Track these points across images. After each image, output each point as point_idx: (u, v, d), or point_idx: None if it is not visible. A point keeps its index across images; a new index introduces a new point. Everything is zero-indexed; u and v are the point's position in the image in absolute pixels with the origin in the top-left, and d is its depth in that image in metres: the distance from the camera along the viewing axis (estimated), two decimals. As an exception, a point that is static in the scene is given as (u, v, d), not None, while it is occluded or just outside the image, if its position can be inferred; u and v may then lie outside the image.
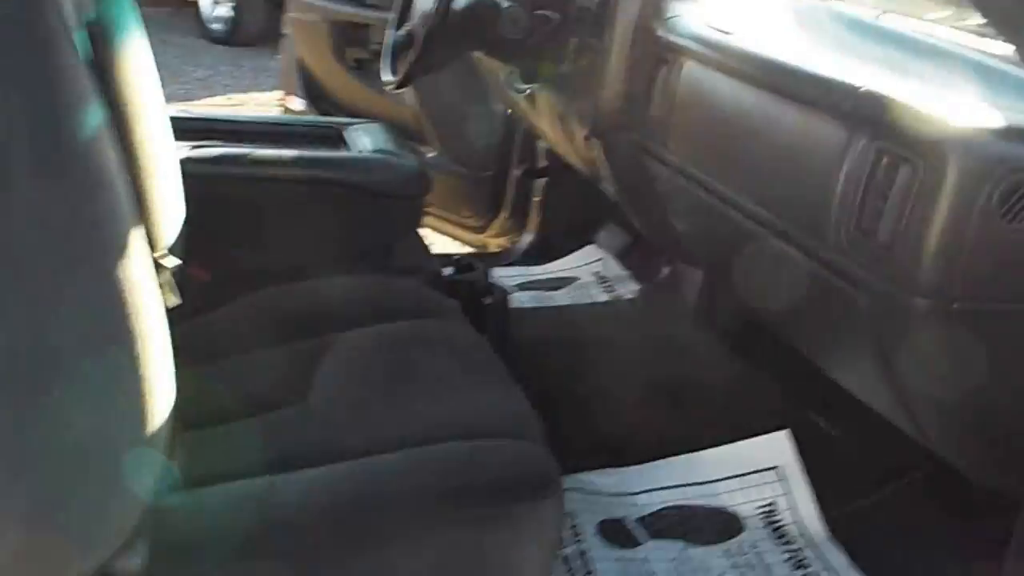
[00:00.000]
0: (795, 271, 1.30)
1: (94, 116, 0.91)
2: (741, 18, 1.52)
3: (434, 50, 1.87)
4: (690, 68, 1.51)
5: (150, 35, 1.33)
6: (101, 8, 1.13)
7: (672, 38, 1.55)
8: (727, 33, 1.45)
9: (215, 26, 7.18)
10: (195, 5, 7.41)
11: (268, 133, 1.97)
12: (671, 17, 1.59)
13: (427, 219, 2.71)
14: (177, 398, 1.04)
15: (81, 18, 1.05)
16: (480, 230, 2.86)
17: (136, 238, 0.95)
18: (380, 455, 1.15)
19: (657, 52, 1.59)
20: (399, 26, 2.03)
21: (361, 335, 1.44)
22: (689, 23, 1.55)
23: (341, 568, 1.06)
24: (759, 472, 1.75)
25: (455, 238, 2.98)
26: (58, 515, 0.95)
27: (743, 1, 1.66)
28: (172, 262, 1.23)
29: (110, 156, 0.94)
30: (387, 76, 1.98)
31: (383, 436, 1.19)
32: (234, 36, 7.05)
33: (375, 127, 2.04)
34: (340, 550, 1.06)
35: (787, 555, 1.63)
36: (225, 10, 7.09)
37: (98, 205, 0.91)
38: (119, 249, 0.91)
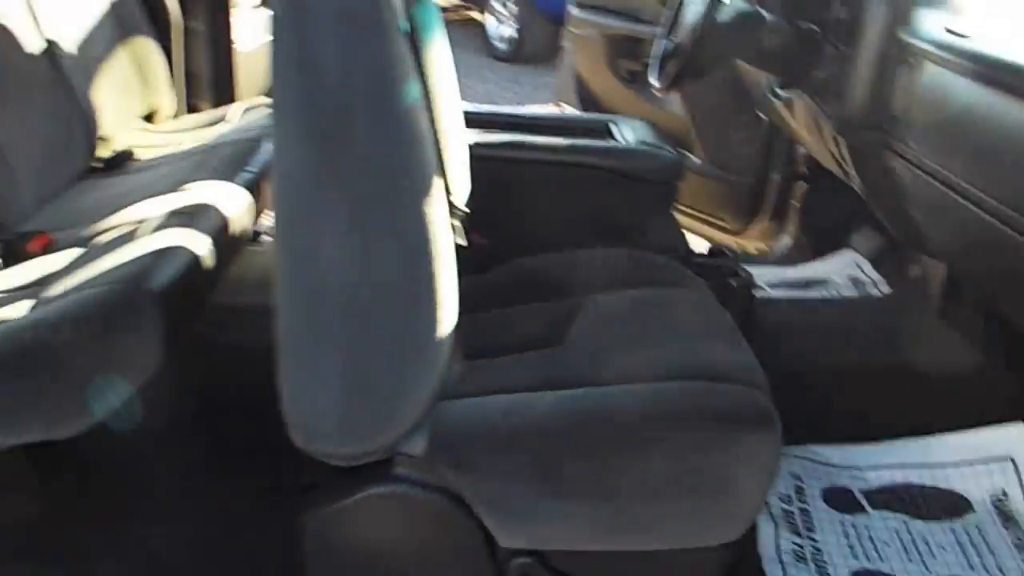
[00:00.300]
0: None
1: (414, 88, 1.24)
2: (980, 22, 1.65)
3: (698, 58, 2.11)
4: (929, 70, 1.65)
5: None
6: (414, 12, 1.47)
7: (914, 42, 1.70)
8: (964, 37, 1.59)
9: (499, 45, 7.76)
10: (481, 25, 8.06)
11: (543, 126, 2.30)
12: (914, 24, 1.74)
13: (686, 220, 2.94)
14: (456, 331, 1.35)
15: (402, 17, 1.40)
16: (738, 233, 3.04)
17: (439, 185, 1.27)
18: (625, 385, 1.40)
19: (900, 55, 1.74)
20: (668, 36, 2.29)
21: (613, 297, 1.71)
22: (930, 28, 1.69)
23: (579, 466, 1.32)
24: (993, 461, 1.82)
25: (712, 240, 3.18)
26: (370, 398, 1.28)
27: (985, 6, 1.77)
28: (462, 208, 1.56)
29: (423, 121, 1.27)
30: (654, 81, 2.25)
31: (629, 373, 1.44)
32: (516, 55, 7.60)
33: (638, 123, 2.32)
34: (580, 452, 1.33)
35: (1014, 540, 1.70)
36: (510, 30, 7.65)
37: (414, 155, 1.23)
38: (427, 189, 1.24)
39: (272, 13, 1.20)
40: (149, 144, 2.69)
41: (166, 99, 2.94)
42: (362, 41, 1.18)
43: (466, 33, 8.40)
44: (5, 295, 1.73)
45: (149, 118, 2.91)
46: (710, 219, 3.05)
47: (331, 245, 1.22)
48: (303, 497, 1.42)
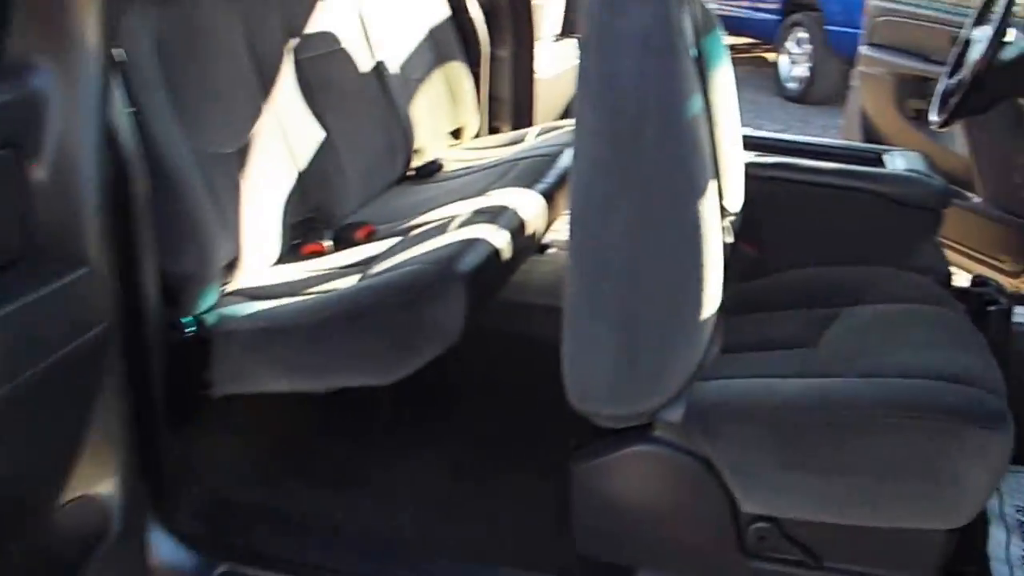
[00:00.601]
0: None
1: (697, 103, 1.47)
2: None
3: (979, 95, 2.19)
4: None
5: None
6: (703, 41, 1.70)
7: None
8: None
9: (790, 85, 7.81)
10: (774, 65, 8.15)
11: (817, 152, 2.45)
12: None
13: (960, 258, 2.95)
14: (717, 319, 1.56)
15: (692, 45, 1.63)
16: (1016, 275, 3.00)
17: (713, 188, 1.49)
18: (868, 378, 1.55)
19: None
20: (951, 75, 2.38)
21: (870, 308, 1.84)
22: None
23: (817, 442, 1.48)
24: None
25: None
26: (637, 369, 1.52)
27: None
28: (733, 210, 1.77)
29: (704, 132, 1.49)
30: (933, 116, 2.34)
31: (874, 371, 1.57)
32: (807, 95, 7.62)
33: (911, 154, 2.42)
34: (819, 430, 1.49)
35: None
36: (802, 70, 7.70)
37: (694, 160, 1.46)
38: (703, 190, 1.46)
39: (582, 37, 1.48)
40: (455, 157, 3.09)
41: (472, 118, 3.33)
42: (656, 61, 1.42)
43: (758, 73, 8.53)
44: (337, 271, 2.12)
45: (456, 134, 3.32)
46: (986, 258, 3.03)
47: (616, 233, 1.47)
48: (572, 452, 1.66)
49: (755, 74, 8.48)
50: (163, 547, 1.76)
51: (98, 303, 1.47)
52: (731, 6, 8.73)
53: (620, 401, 1.55)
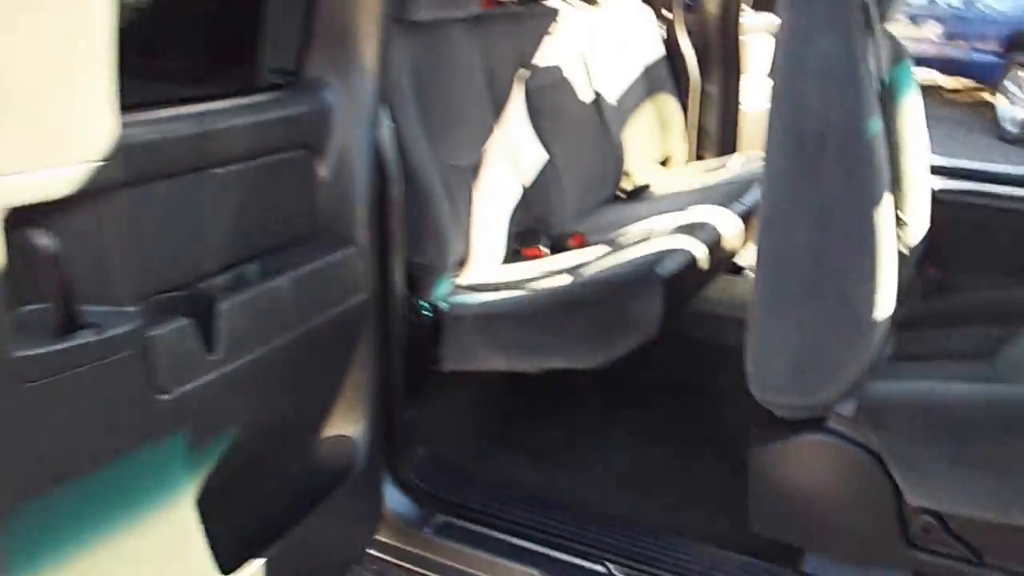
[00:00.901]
0: None
1: (876, 125, 1.61)
2: None
3: None
4: None
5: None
6: (891, 72, 1.83)
7: None
8: None
9: (1009, 127, 7.53)
10: (992, 106, 7.88)
11: (1007, 180, 2.49)
12: None
13: None
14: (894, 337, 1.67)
15: (879, 75, 1.76)
16: None
17: (889, 202, 1.61)
18: None
19: None
20: None
21: None
22: None
23: (987, 441, 1.56)
24: None
25: None
26: (815, 363, 1.65)
27: None
28: (916, 230, 1.88)
29: (882, 154, 1.62)
30: None
31: None
32: (1027, 138, 7.35)
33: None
34: (989, 430, 1.57)
35: None
36: (1022, 113, 7.41)
37: (871, 175, 1.59)
38: (879, 203, 1.59)
39: (774, 63, 1.64)
40: (662, 182, 3.29)
41: (680, 147, 3.53)
42: (838, 86, 1.57)
43: (975, 114, 8.26)
44: (552, 271, 2.36)
45: (664, 162, 3.52)
46: None
47: (798, 239, 1.62)
48: (749, 437, 1.80)
49: (973, 115, 8.22)
50: (392, 496, 2.04)
51: (360, 277, 1.77)
52: (948, 46, 8.51)
53: (796, 392, 1.69)
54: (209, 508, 1.44)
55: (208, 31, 1.98)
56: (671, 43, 3.53)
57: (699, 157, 3.67)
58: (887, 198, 1.64)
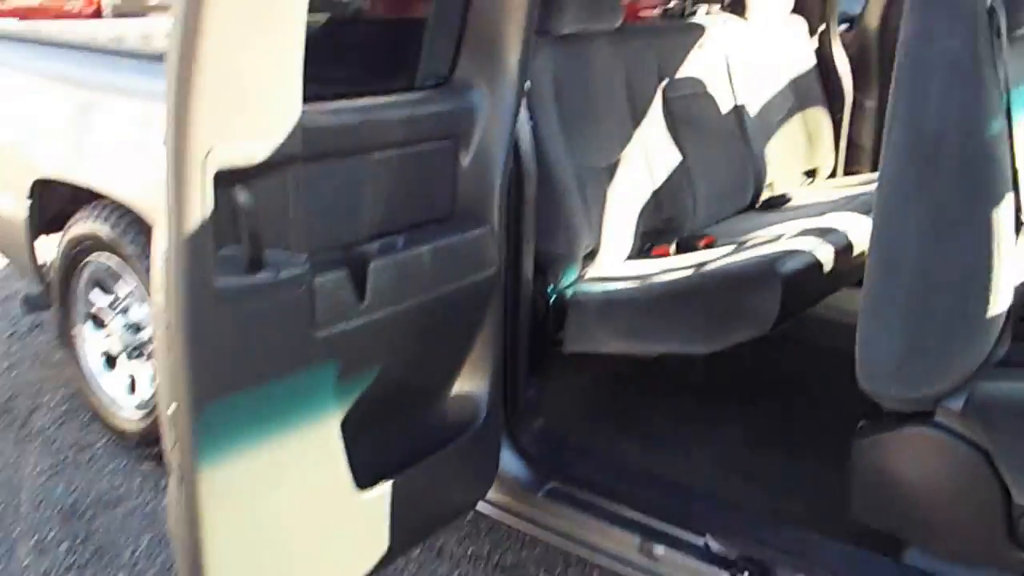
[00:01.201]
0: None
1: (996, 125, 1.72)
2: None
3: None
4: None
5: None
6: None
7: None
8: None
9: None
10: None
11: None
12: None
13: None
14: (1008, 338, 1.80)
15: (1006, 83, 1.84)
16: None
17: (1008, 202, 1.73)
18: None
19: None
20: None
21: None
22: None
23: None
24: None
25: None
26: (923, 357, 1.77)
27: None
28: None
29: (1003, 152, 1.73)
30: None
31: None
32: None
33: None
34: None
35: None
36: None
37: (989, 175, 1.70)
38: (997, 202, 1.70)
39: (896, 63, 1.74)
40: (805, 193, 3.52)
41: (827, 161, 3.75)
42: (960, 84, 1.69)
43: None
44: (674, 267, 2.66)
45: (810, 174, 3.75)
46: None
47: (911, 232, 1.71)
48: (856, 429, 1.90)
49: None
50: (510, 461, 2.38)
51: (491, 255, 2.12)
52: None
53: (905, 384, 1.78)
54: (351, 432, 1.83)
55: (382, 42, 2.44)
56: (824, 56, 3.77)
57: (850, 172, 3.87)
58: (1007, 198, 1.73)
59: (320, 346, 1.72)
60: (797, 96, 3.64)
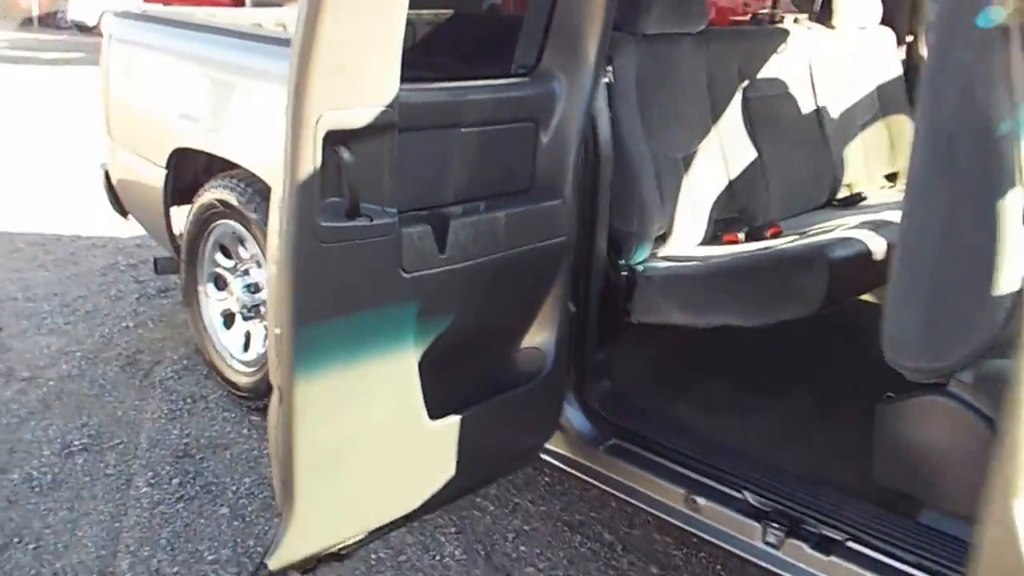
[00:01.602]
0: None
1: (1005, 126, 1.88)
2: None
3: None
4: None
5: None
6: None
7: None
8: None
9: None
10: None
11: None
12: None
13: None
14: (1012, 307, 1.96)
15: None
16: None
17: (1015, 197, 1.87)
18: None
19: None
20: None
21: None
22: None
23: None
24: None
25: None
26: (940, 331, 1.96)
27: None
28: None
29: (1013, 150, 1.88)
30: None
31: None
32: None
33: None
34: None
35: None
36: None
37: (998, 170, 1.87)
38: (1004, 196, 1.86)
39: (921, 73, 2.00)
40: (882, 195, 3.72)
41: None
42: (972, 90, 1.88)
43: None
44: (738, 252, 2.91)
45: (891, 177, 3.94)
46: None
47: (934, 220, 1.89)
48: (882, 399, 2.08)
49: None
50: (574, 415, 2.70)
51: (564, 224, 2.43)
52: None
53: (923, 357, 1.95)
54: (426, 367, 2.16)
55: (498, 35, 2.80)
56: (911, 66, 3.96)
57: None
58: (1015, 192, 1.86)
59: (405, 286, 2.06)
60: (881, 103, 3.84)
